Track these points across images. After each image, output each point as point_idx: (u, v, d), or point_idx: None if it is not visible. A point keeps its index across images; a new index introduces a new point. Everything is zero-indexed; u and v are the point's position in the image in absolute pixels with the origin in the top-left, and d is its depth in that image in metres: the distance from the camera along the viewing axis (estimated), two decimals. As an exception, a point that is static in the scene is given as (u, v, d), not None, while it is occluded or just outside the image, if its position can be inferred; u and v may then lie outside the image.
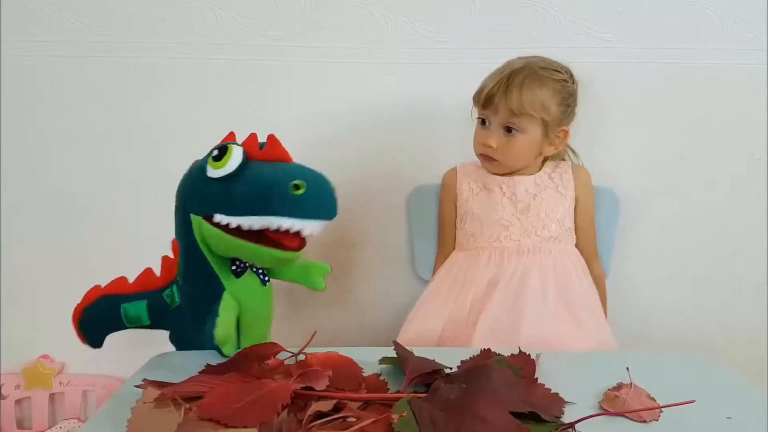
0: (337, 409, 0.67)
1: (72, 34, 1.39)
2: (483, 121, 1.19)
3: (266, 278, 0.92)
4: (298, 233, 0.80)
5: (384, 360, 0.83)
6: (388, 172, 1.44)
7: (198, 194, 0.84)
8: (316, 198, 0.79)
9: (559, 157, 1.27)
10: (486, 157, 1.20)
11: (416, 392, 0.72)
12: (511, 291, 1.15)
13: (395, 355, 0.83)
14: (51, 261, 1.49)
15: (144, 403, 0.69)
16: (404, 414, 0.65)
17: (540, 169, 1.24)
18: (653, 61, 1.38)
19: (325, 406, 0.67)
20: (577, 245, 1.26)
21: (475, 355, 0.83)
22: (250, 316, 0.90)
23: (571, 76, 1.19)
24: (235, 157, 0.81)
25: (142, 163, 1.43)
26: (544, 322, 1.11)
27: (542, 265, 1.18)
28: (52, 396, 1.54)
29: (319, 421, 0.65)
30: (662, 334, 1.47)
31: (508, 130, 1.16)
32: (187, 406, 0.67)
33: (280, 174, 0.79)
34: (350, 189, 1.43)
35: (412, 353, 0.82)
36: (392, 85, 1.40)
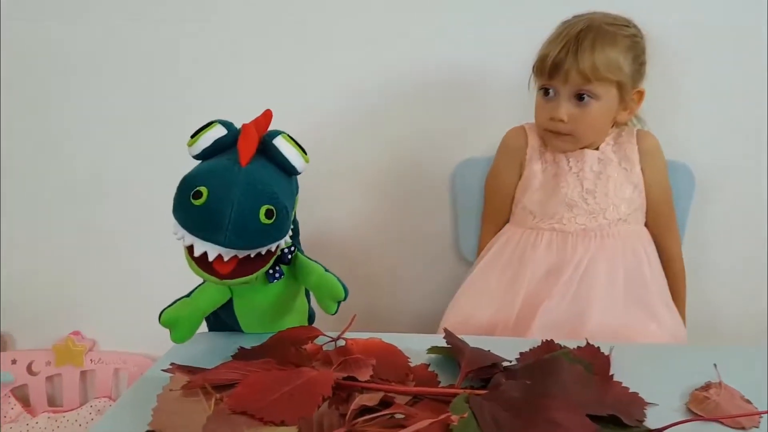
0: (384, 403, 0.60)
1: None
2: (546, 92, 1.06)
3: (276, 275, 0.77)
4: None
5: (433, 349, 0.75)
6: (431, 146, 1.35)
7: None
8: (210, 213, 0.64)
9: (620, 126, 1.15)
10: (555, 134, 1.07)
11: (472, 387, 0.64)
12: (574, 282, 1.05)
13: (445, 344, 0.74)
14: (82, 235, 1.45)
15: (171, 390, 0.63)
16: (465, 415, 0.56)
17: (602, 140, 1.12)
18: (733, 24, 1.24)
19: (370, 399, 0.60)
20: (647, 224, 1.14)
21: (536, 346, 0.74)
22: (259, 310, 0.81)
23: (639, 30, 1.07)
24: (205, 138, 0.70)
25: (169, 134, 1.33)
26: (611, 315, 1.01)
27: (610, 252, 1.07)
28: (83, 374, 1.51)
29: (363, 417, 0.57)
30: (736, 325, 1.35)
31: (580, 98, 1.03)
32: (218, 396, 0.60)
33: (198, 173, 0.67)
34: (390, 164, 1.36)
35: (466, 343, 0.73)
36: (430, 52, 1.30)
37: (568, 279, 1.05)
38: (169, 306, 0.74)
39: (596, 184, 1.09)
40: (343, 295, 0.75)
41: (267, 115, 0.73)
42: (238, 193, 0.64)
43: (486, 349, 0.72)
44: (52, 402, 1.52)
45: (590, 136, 1.08)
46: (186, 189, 0.66)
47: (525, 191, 1.14)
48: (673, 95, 1.25)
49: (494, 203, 1.22)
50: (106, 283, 1.47)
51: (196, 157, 0.71)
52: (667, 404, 0.65)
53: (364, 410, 0.58)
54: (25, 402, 1.49)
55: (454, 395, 0.61)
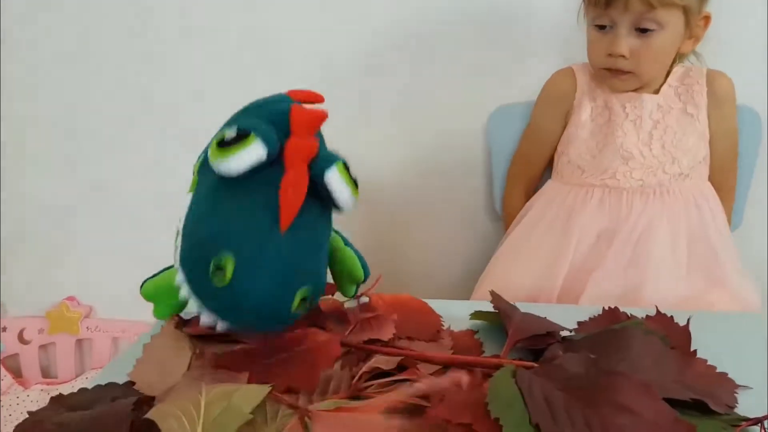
0: (402, 368, 0.52)
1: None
2: (601, 26, 0.95)
3: None
4: None
5: (477, 315, 0.64)
6: (462, 92, 1.23)
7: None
8: (233, 296, 0.51)
9: (680, 61, 1.03)
10: (614, 72, 0.96)
11: (521, 359, 0.54)
12: (630, 247, 0.95)
13: (491, 310, 0.63)
14: (79, 192, 1.37)
15: (159, 340, 0.58)
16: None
17: (664, 81, 1.00)
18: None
19: (387, 362, 0.52)
20: (709, 178, 1.03)
21: (597, 315, 0.62)
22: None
23: None
24: (239, 159, 0.50)
25: (165, 94, 1.28)
26: (674, 285, 0.91)
27: (671, 210, 0.96)
28: (78, 342, 1.44)
29: (376, 381, 0.51)
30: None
31: (641, 30, 0.92)
32: (197, 349, 0.55)
33: (223, 233, 0.52)
34: (414, 113, 1.25)
35: (517, 308, 0.61)
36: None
37: (623, 243, 0.95)
38: (153, 276, 0.62)
39: (653, 132, 0.98)
40: (362, 277, 0.63)
41: (316, 120, 0.53)
42: (272, 275, 0.51)
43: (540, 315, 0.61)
44: (46, 373, 1.45)
45: (654, 72, 0.97)
46: (206, 254, 0.51)
47: (571, 142, 1.03)
48: (732, 27, 1.10)
49: (530, 157, 1.11)
50: (104, 245, 1.38)
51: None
52: (761, 387, 0.54)
53: (381, 374, 0.52)
54: (16, 373, 1.42)
55: (497, 367, 0.50)
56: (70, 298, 1.41)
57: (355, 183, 0.54)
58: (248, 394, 0.46)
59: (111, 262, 1.39)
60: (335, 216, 0.58)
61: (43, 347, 1.43)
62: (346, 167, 0.53)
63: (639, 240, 0.95)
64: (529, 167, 1.11)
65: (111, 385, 0.52)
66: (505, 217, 1.17)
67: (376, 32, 1.21)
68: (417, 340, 0.58)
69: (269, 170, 0.51)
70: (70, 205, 1.37)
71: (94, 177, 1.34)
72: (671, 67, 0.99)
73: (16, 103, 1.30)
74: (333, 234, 0.63)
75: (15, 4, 1.24)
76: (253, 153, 0.50)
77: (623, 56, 0.93)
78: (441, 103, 1.24)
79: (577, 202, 1.00)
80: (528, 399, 0.46)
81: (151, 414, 0.44)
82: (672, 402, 0.46)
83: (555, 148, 1.07)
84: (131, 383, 0.52)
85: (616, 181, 0.98)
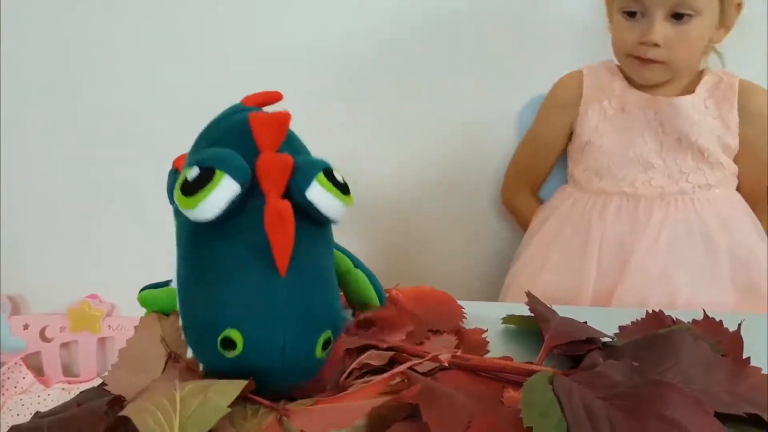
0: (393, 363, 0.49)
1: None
2: (631, 13, 0.91)
3: None
4: None
5: (509, 319, 0.61)
6: (492, 84, 1.18)
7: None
8: (251, 366, 0.44)
9: (704, 61, 0.98)
10: (643, 61, 0.91)
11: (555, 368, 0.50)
12: (655, 256, 0.91)
13: (525, 313, 0.60)
14: (99, 191, 1.36)
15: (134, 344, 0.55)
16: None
17: (694, 83, 0.95)
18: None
19: (378, 358, 0.50)
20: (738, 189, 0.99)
21: (640, 319, 0.58)
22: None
23: None
24: (211, 202, 0.43)
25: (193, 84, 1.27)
26: (706, 292, 0.88)
27: (699, 219, 0.92)
28: (101, 340, 1.42)
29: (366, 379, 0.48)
30: None
31: (678, 16, 0.87)
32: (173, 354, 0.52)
33: (222, 308, 0.44)
34: (441, 106, 1.21)
35: (554, 311, 0.58)
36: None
37: (644, 255, 0.91)
38: (155, 285, 0.60)
39: (681, 140, 0.93)
40: (377, 303, 0.57)
41: (279, 126, 0.46)
42: (287, 329, 0.44)
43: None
44: (68, 371, 1.43)
45: (687, 62, 0.93)
46: (209, 336, 0.44)
47: (583, 150, 0.99)
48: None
49: (528, 165, 1.10)
50: (127, 243, 1.37)
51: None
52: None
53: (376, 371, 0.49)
54: (38, 371, 1.40)
55: (530, 373, 0.46)
56: (92, 296, 1.40)
57: (344, 188, 0.47)
58: (225, 389, 0.42)
59: (134, 259, 1.35)
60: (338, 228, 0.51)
61: (64, 345, 1.41)
62: (328, 174, 0.46)
63: (664, 250, 0.91)
64: (530, 172, 1.09)
65: (86, 391, 0.50)
66: (518, 219, 1.14)
67: (396, 20, 1.18)
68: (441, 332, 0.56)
69: (246, 200, 0.44)
70: (93, 202, 1.35)
71: (117, 173, 1.33)
72: (701, 74, 0.96)
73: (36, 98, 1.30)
74: (340, 255, 0.57)
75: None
76: (224, 192, 0.43)
77: (657, 44, 0.88)
78: (471, 95, 1.20)
79: (594, 210, 0.96)
80: (567, 407, 0.42)
81: (125, 411, 0.41)
82: (724, 417, 0.42)
83: (556, 158, 1.05)
84: (104, 386, 0.49)
85: (634, 189, 0.94)
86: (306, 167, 0.45)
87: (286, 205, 0.42)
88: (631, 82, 0.97)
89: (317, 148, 0.50)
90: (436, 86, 1.21)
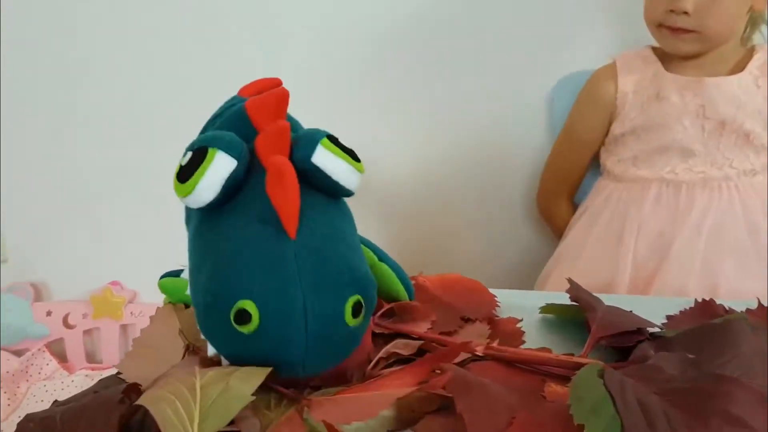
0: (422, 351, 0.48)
1: None
2: None
3: None
4: None
5: (548, 308, 0.57)
6: (524, 60, 1.15)
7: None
8: (271, 342, 0.40)
9: (749, 40, 0.94)
10: (674, 30, 0.88)
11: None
12: (696, 245, 0.87)
13: (561, 303, 0.56)
14: (121, 177, 1.35)
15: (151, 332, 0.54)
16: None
17: (746, 64, 0.91)
18: None
19: (405, 347, 0.48)
20: None
21: (689, 308, 0.54)
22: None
23: None
24: (209, 179, 0.41)
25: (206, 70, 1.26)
26: (748, 282, 0.84)
27: (743, 205, 0.89)
28: (123, 327, 1.43)
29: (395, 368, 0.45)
30: None
31: None
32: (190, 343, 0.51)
33: (233, 276, 0.40)
34: (471, 84, 1.18)
35: (600, 300, 0.55)
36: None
37: (686, 245, 0.87)
38: (172, 273, 0.57)
39: (725, 124, 0.89)
40: (405, 297, 0.53)
41: (278, 103, 0.44)
42: (306, 292, 0.40)
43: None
44: (91, 358, 1.43)
45: (721, 32, 0.88)
46: (220, 310, 0.40)
47: (616, 141, 0.96)
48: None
49: (567, 165, 1.06)
50: (149, 229, 1.36)
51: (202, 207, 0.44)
52: None
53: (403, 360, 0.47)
54: (61, 357, 1.41)
55: (575, 366, 0.44)
56: (114, 283, 1.40)
57: (351, 153, 0.44)
58: (247, 376, 0.39)
59: (155, 246, 1.34)
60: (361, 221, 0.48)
61: (87, 332, 1.41)
62: (332, 139, 0.44)
63: (707, 238, 0.87)
64: (566, 173, 1.06)
65: (105, 379, 0.48)
66: (552, 227, 1.11)
67: (422, 9, 1.16)
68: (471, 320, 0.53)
69: (248, 181, 0.42)
70: (115, 188, 1.35)
71: (139, 160, 1.32)
72: (751, 52, 0.91)
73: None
74: (364, 248, 0.52)
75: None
76: (220, 167, 0.41)
77: (686, 11, 0.84)
78: (501, 72, 1.18)
79: (631, 199, 0.93)
80: (620, 403, 0.39)
81: (141, 400, 0.38)
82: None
83: (592, 155, 1.02)
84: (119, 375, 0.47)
85: (674, 175, 0.91)
86: (308, 135, 0.43)
87: (286, 162, 0.40)
88: (667, 66, 0.93)
89: (342, 138, 0.48)
90: (463, 71, 1.18)
